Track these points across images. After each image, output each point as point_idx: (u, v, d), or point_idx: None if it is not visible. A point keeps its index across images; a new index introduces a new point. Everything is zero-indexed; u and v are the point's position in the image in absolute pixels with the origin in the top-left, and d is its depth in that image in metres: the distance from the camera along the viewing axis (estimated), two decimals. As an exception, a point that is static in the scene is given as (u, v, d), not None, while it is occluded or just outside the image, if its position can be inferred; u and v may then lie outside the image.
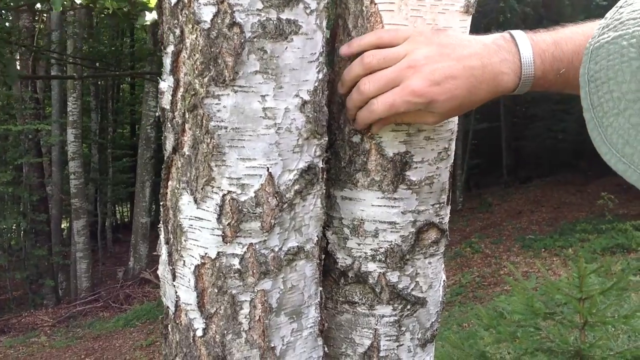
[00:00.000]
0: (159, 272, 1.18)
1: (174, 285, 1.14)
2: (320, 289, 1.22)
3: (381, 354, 1.29)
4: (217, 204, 1.07)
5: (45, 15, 15.07)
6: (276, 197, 1.09)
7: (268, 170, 1.07)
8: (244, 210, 1.07)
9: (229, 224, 1.07)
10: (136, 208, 17.11)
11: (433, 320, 1.34)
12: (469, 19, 1.18)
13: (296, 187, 1.11)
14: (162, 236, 1.16)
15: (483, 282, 11.88)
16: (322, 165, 1.15)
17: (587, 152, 20.87)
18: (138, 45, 24.18)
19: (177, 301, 1.14)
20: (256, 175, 1.07)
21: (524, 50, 1.06)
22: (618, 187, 16.65)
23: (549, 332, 4.07)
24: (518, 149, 23.26)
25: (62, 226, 20.48)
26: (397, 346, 1.30)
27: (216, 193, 1.07)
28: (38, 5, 9.38)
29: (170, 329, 1.18)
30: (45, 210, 17.24)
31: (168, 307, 1.18)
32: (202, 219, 1.08)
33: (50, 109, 18.76)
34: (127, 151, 24.14)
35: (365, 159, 1.21)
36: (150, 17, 6.37)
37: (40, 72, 17.37)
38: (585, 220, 14.58)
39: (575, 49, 1.05)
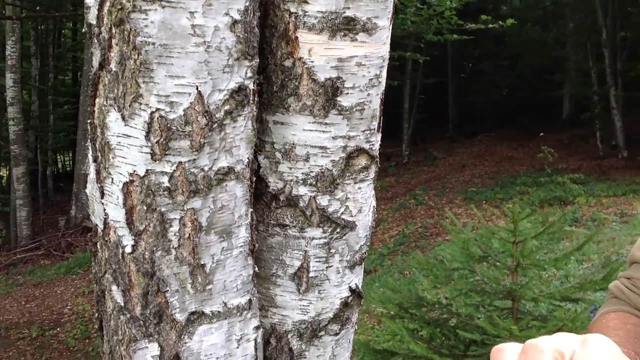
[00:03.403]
0: (87, 190, 1.19)
1: (103, 203, 1.15)
2: (251, 210, 1.24)
3: (311, 275, 1.33)
4: (145, 122, 1.07)
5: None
6: (206, 117, 1.09)
7: (197, 89, 1.07)
8: (173, 128, 1.08)
9: (157, 141, 1.08)
10: (78, 156, 16.75)
11: (362, 244, 1.38)
12: None
13: (226, 107, 1.12)
14: (90, 154, 1.16)
15: (425, 233, 12.16)
16: (253, 87, 1.16)
17: (530, 108, 21.33)
18: (80, -13, 23.30)
19: (105, 219, 1.15)
20: (185, 93, 1.07)
21: None
22: (558, 143, 17.14)
23: (483, 275, 4.22)
24: (464, 104, 23.56)
25: (1, 173, 19.93)
26: (327, 267, 1.34)
27: (144, 110, 1.07)
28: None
29: (99, 247, 1.18)
30: (-17, 156, 16.72)
31: (97, 224, 1.18)
32: (130, 136, 1.09)
33: (-13, 53, 18.01)
34: (69, 98, 23.47)
35: (297, 84, 1.22)
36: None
37: (-24, 12, 16.61)
38: (526, 174, 15.01)
39: None
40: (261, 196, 1.31)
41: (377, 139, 1.33)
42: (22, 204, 15.66)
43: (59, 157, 28.13)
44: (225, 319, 1.21)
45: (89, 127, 1.14)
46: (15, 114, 15.48)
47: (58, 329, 10.12)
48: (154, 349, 1.17)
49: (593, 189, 11.88)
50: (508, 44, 21.37)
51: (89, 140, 1.15)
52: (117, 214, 1.13)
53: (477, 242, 4.62)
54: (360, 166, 1.31)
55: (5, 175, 21.24)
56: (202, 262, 1.16)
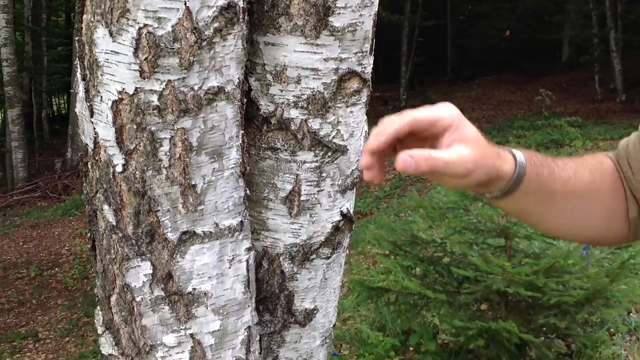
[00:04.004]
0: (76, 109, 1.18)
1: (92, 122, 1.14)
2: (242, 131, 1.24)
3: (302, 198, 1.33)
4: (133, 38, 1.06)
5: None
6: (195, 34, 1.08)
7: (185, 4, 1.06)
8: (162, 45, 1.07)
9: (146, 58, 1.07)
10: (73, 98, 16.64)
11: (353, 169, 1.38)
12: None
13: (215, 24, 1.10)
14: (78, 73, 1.15)
15: (422, 176, 12.17)
16: (242, 5, 1.14)
17: (529, 51, 21.11)
18: None
19: (95, 138, 1.15)
20: (173, 9, 1.05)
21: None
22: (557, 86, 17.03)
23: (478, 214, 4.25)
24: (463, 47, 23.32)
25: (-4, 116, 19.84)
26: (318, 191, 1.34)
27: (132, 26, 1.05)
28: None
29: (90, 167, 1.19)
30: (-23, 98, 16.59)
31: (87, 144, 1.18)
32: (118, 53, 1.07)
33: (-22, -8, 17.65)
34: (63, 40, 23.14)
35: (288, 3, 1.20)
36: None
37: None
38: (523, 117, 14.96)
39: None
40: (252, 119, 1.30)
41: (369, 61, 1.32)
42: (18, 146, 15.63)
43: (53, 99, 27.93)
44: (217, 239, 1.23)
45: (77, 45, 1.13)
46: (8, 55, 15.29)
47: (56, 269, 10.24)
48: (146, 267, 1.19)
49: (590, 132, 11.85)
50: (508, -15, 21.03)
51: (77, 58, 1.14)
52: (107, 133, 1.13)
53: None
54: (352, 89, 1.30)
55: (0, 117, 21.13)
56: (193, 183, 1.17)
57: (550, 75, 18.97)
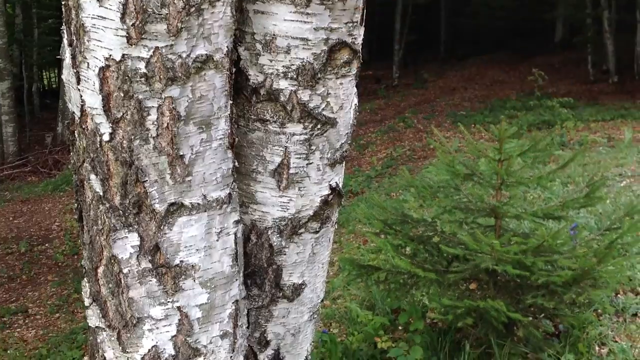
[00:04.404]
0: (63, 76, 1.16)
1: (79, 89, 1.12)
2: (231, 102, 1.22)
3: (291, 171, 1.32)
4: (120, 2, 1.03)
5: None
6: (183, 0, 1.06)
7: (174, -31, 1.03)
8: (149, 10, 1.04)
9: (133, 24, 1.05)
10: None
11: (343, 142, 1.37)
12: None
13: (204, -9, 1.08)
14: (65, 38, 1.12)
15: (414, 156, 12.18)
16: (232, -28, 1.12)
17: (523, 31, 21.04)
18: None
19: (82, 105, 1.13)
20: (161, -27, 1.03)
21: None
22: (550, 67, 16.98)
23: (468, 193, 4.25)
24: (457, 26, 23.20)
25: (-14, 89, 19.60)
26: (307, 164, 1.33)
27: (119, -10, 1.03)
28: None
29: (77, 135, 1.17)
30: (-34, 71, 16.40)
31: (74, 112, 1.16)
32: (105, 18, 1.05)
33: (-33, -37, 17.39)
34: (54, 12, 22.87)
35: (278, -30, 1.18)
36: None
37: None
38: (516, 97, 14.95)
39: None
40: (241, 90, 1.28)
41: (360, 32, 1.30)
42: (8, 120, 15.51)
43: (44, 73, 27.69)
44: (205, 211, 1.21)
45: (63, 9, 1.10)
46: (-2, 28, 15.11)
47: (46, 245, 10.21)
48: (133, 238, 1.18)
49: (582, 113, 11.86)
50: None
51: (63, 24, 1.12)
52: (93, 101, 1.11)
53: (463, 160, 4.63)
54: (342, 60, 1.28)
55: (-11, 91, 20.90)
56: (181, 153, 1.15)
57: (543, 55, 18.92)
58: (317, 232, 1.41)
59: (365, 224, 6.88)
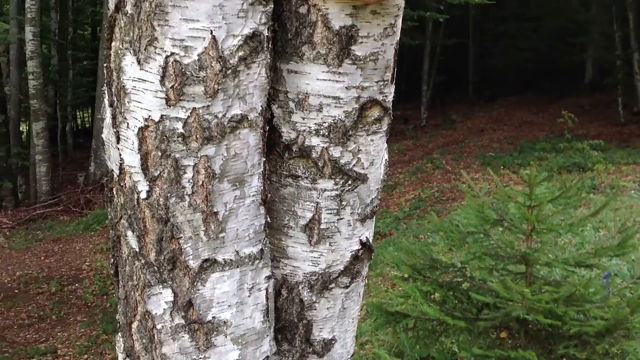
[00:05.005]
0: (103, 135, 1.19)
1: (118, 148, 1.15)
2: (264, 159, 1.24)
3: (322, 227, 1.33)
4: (160, 66, 1.07)
5: None
6: (220, 62, 1.09)
7: (212, 33, 1.07)
8: (188, 73, 1.08)
9: (172, 86, 1.08)
10: (97, 112, 16.83)
11: (373, 197, 1.38)
12: None
13: (240, 53, 1.11)
14: (106, 99, 1.16)
15: (442, 197, 12.12)
16: (267, 34, 1.15)
17: (552, 72, 21.01)
18: (100, -58, 23.13)
19: (121, 164, 1.16)
20: (199, 37, 1.07)
21: None
22: (579, 108, 16.91)
23: (498, 239, 4.21)
24: (485, 67, 23.28)
25: (21, 129, 20.10)
26: (338, 219, 1.34)
27: (159, 54, 1.07)
28: None
29: (115, 192, 1.20)
30: (3, 110, 16.85)
31: (112, 170, 1.19)
32: (145, 80, 1.09)
33: (7, 6, 18.00)
34: (89, 53, 23.49)
35: (311, 31, 1.21)
36: None
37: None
38: (545, 139, 14.86)
39: None
40: (274, 146, 1.31)
41: (390, 90, 1.32)
42: (42, 160, 15.81)
43: (78, 113, 28.32)
44: (237, 267, 1.23)
45: (105, 71, 1.14)
46: (34, 68, 15.53)
47: (76, 285, 10.30)
48: (167, 294, 1.19)
49: (613, 156, 11.74)
50: (532, 5, 20.96)
51: (105, 84, 1.16)
52: (132, 159, 1.14)
53: (492, 205, 4.60)
54: (373, 118, 1.30)
55: (25, 130, 21.43)
56: (215, 210, 1.17)
57: (572, 96, 18.86)
58: (347, 287, 1.41)
59: (394, 267, 6.84)
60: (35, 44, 15.58)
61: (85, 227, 13.48)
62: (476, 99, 22.08)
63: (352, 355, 1.49)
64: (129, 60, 1.09)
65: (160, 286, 1.18)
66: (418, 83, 20.28)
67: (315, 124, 1.27)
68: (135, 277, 1.20)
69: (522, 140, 15.39)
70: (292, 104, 1.27)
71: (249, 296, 1.25)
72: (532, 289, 3.48)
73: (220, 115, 1.12)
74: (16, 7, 16.64)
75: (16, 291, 10.17)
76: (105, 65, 1.14)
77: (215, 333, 1.20)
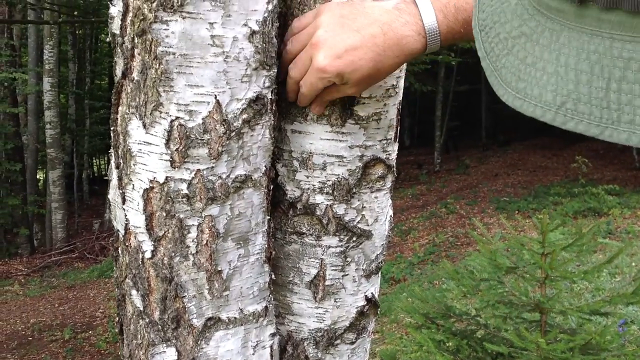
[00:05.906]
0: (109, 196, 1.22)
1: (124, 209, 1.18)
2: (268, 217, 1.26)
3: (327, 283, 1.34)
4: (165, 129, 1.10)
5: (21, -41, 14.73)
6: (224, 125, 1.12)
7: (216, 97, 1.10)
8: (192, 136, 1.10)
9: (177, 149, 1.10)
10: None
11: (378, 253, 1.39)
12: None
13: (244, 116, 1.14)
14: (112, 161, 1.19)
15: (456, 242, 12.07)
16: (271, 97, 1.18)
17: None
18: (118, -5, 23.67)
19: (126, 224, 1.18)
20: (204, 102, 1.10)
21: (424, 9, 1.09)
22: (593, 153, 16.89)
23: (512, 287, 4.18)
24: (497, 112, 23.36)
25: (38, 177, 20.36)
26: (343, 276, 1.35)
27: (164, 119, 1.10)
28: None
29: (120, 252, 1.21)
30: (20, 159, 17.10)
31: (118, 230, 1.21)
32: (150, 143, 1.11)
33: (27, 58, 18.45)
34: (105, 103, 23.88)
35: (314, 93, 1.24)
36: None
37: (17, 18, 17.02)
38: (560, 184, 14.81)
39: None
40: (279, 204, 1.33)
41: (393, 148, 1.34)
42: (58, 207, 15.96)
43: (94, 160, 28.64)
44: (242, 325, 1.23)
45: (112, 135, 1.17)
46: (52, 118, 15.80)
47: (90, 332, 10.28)
48: (171, 353, 1.20)
49: (628, 200, 11.66)
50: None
51: (112, 147, 1.19)
52: (137, 220, 1.16)
53: (505, 252, 4.58)
54: (376, 175, 1.32)
55: (41, 178, 21.68)
56: (219, 269, 1.18)
57: (586, 141, 18.82)
58: (353, 343, 1.41)
59: (408, 314, 6.77)
60: (53, 94, 15.89)
61: (99, 273, 13.51)
62: (489, 144, 22.14)
63: (357, 414, 1.48)
64: (135, 124, 1.12)
65: (164, 345, 1.19)
66: (431, 128, 20.39)
67: (319, 182, 1.29)
68: (139, 336, 1.21)
69: (536, 184, 15.35)
70: (296, 163, 1.29)
71: (253, 354, 1.25)
72: (547, 338, 3.43)
73: (224, 176, 1.15)
74: (35, 59, 17.03)
75: (30, 338, 10.16)
76: (112, 129, 1.17)
77: (218, 393, 1.20)
